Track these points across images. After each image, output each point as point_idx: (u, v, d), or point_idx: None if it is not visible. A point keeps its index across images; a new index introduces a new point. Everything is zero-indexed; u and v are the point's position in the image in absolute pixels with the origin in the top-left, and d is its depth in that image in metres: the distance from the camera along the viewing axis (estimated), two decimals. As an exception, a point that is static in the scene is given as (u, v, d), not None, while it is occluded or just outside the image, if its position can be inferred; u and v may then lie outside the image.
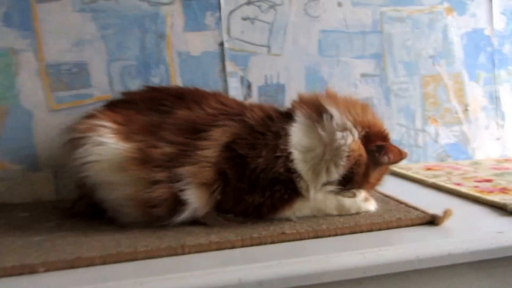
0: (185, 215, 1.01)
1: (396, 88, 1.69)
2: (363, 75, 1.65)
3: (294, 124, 1.07)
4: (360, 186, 1.11)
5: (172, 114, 1.11)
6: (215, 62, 1.51)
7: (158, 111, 1.13)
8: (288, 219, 1.05)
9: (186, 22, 1.48)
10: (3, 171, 1.37)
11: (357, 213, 1.08)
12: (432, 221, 1.02)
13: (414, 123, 1.71)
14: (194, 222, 1.03)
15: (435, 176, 1.45)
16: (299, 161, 1.04)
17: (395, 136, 1.69)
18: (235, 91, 1.52)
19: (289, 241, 0.95)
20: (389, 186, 1.24)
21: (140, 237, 0.95)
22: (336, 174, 1.06)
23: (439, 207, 1.05)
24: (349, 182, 1.09)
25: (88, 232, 1.01)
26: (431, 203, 1.16)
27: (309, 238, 0.96)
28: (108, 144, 1.05)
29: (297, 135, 1.06)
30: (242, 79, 1.53)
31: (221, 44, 1.51)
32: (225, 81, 1.52)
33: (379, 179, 1.17)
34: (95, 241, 0.94)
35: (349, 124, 1.07)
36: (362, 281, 0.89)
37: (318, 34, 1.60)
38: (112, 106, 1.18)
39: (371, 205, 1.11)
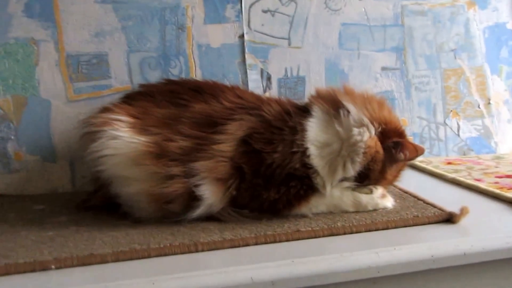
0: (200, 211, 0.97)
1: (417, 81, 1.61)
2: (384, 69, 1.58)
3: (311, 119, 1.03)
4: (377, 182, 1.07)
5: (189, 107, 1.07)
6: (235, 54, 1.45)
7: (175, 104, 1.09)
8: (303, 216, 1.01)
9: (206, 14, 1.43)
10: (19, 161, 1.33)
11: (374, 210, 1.05)
12: (449, 219, 0.98)
13: (435, 116, 1.64)
14: (209, 218, 0.99)
15: (456, 171, 1.39)
16: (316, 157, 1.00)
17: (416, 129, 1.62)
18: (255, 84, 1.46)
19: (303, 239, 0.91)
20: (408, 180, 1.20)
21: (154, 233, 0.92)
22: (352, 170, 1.02)
23: (458, 204, 1.01)
24: (366, 179, 1.05)
25: (102, 227, 0.98)
26: (450, 199, 1.12)
27: (323, 236, 0.92)
28: (123, 138, 1.01)
29: (314, 130, 1.02)
30: (262, 72, 1.47)
31: (241, 37, 1.45)
32: (245, 73, 1.46)
33: (396, 176, 1.13)
34: (108, 237, 0.90)
35: (365, 120, 1.03)
36: (376, 281, 0.85)
37: (339, 27, 1.53)
38: (129, 99, 1.15)
39: (388, 202, 1.07)
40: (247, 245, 0.88)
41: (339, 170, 1.02)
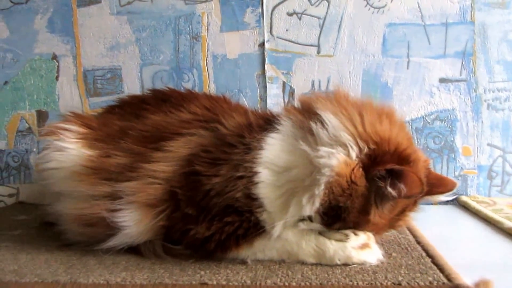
0: (116, 240, 0.74)
1: (491, 97, 1.13)
2: (443, 80, 1.13)
3: (273, 134, 0.72)
4: (357, 226, 0.70)
5: (146, 119, 0.85)
6: (254, 65, 1.17)
7: (136, 116, 0.88)
8: (243, 262, 0.71)
9: (223, 21, 1.17)
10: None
11: (346, 265, 0.68)
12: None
13: (514, 144, 1.15)
14: (133, 249, 0.76)
15: (524, 218, 0.93)
16: (267, 185, 0.69)
17: (485, 160, 1.13)
18: (275, 99, 1.16)
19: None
20: (444, 224, 0.85)
21: (48, 262, 0.75)
22: (308, 207, 0.67)
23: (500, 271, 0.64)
24: (337, 220, 0.69)
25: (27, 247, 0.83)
26: (490, 260, 0.72)
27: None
28: (68, 150, 0.83)
29: (274, 150, 0.70)
30: (283, 85, 1.16)
31: (262, 45, 1.16)
32: (264, 87, 1.16)
33: (397, 220, 0.73)
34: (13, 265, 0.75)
35: (345, 136, 0.68)
36: None
37: (383, 28, 1.14)
38: (107, 110, 0.98)
39: (370, 255, 0.70)
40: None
41: (292, 206, 0.68)
